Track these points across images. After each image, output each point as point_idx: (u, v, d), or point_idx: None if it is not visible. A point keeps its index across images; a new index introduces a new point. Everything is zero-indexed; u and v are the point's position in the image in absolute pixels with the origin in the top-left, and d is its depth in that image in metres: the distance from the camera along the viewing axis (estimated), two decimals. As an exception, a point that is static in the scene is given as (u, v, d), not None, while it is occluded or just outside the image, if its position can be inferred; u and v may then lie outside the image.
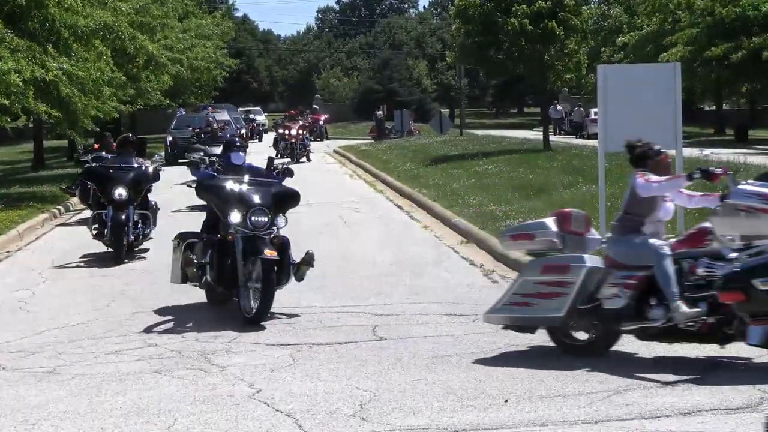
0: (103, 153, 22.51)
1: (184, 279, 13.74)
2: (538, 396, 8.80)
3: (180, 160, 36.93)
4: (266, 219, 12.76)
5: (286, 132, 45.14)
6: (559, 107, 67.75)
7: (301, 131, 44.91)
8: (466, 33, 39.37)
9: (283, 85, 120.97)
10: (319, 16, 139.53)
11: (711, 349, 10.23)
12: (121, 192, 18.10)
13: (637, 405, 8.38)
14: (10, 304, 14.50)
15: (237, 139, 18.37)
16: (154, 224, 19.11)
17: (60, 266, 17.71)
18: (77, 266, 17.73)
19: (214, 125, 31.19)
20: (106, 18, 28.52)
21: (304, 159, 43.98)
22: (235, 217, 12.69)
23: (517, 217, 19.89)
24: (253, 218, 12.67)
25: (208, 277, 13.13)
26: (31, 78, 23.52)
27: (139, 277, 16.32)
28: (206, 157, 18.47)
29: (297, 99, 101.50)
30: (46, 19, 25.70)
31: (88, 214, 20.97)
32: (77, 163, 24.97)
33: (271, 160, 14.46)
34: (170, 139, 45.89)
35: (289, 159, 41.92)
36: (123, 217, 17.95)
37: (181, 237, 13.92)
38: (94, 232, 18.42)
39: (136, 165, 18.82)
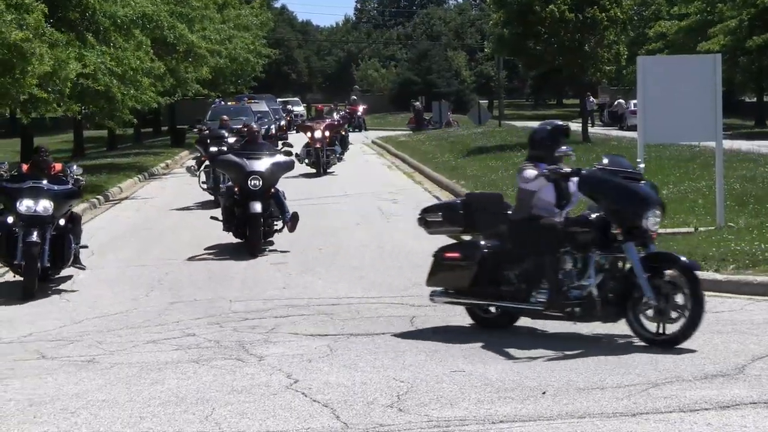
0: (30, 183, 15.09)
1: None
2: (576, 388, 8.77)
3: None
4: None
5: (309, 135, 33.44)
6: (591, 99, 67.26)
7: (327, 132, 33.15)
8: (503, 23, 39.20)
9: (322, 76, 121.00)
10: (358, 6, 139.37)
11: (752, 342, 10.17)
12: None
13: (676, 398, 8.33)
14: (50, 293, 14.60)
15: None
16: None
17: (99, 256, 17.80)
18: (116, 256, 17.82)
19: (254, 125, 23.79)
20: (145, 8, 28.63)
21: (333, 169, 33.72)
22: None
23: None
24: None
25: None
26: (71, 72, 23.65)
27: (178, 267, 16.38)
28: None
29: (335, 90, 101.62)
30: (87, 8, 25.83)
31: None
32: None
33: None
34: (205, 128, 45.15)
35: (314, 170, 32.71)
36: None
37: None
38: None
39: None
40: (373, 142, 51.88)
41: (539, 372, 9.29)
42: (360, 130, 62.87)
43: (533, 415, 8.04)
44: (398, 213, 22.41)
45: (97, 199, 26.06)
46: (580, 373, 9.22)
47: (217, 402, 8.69)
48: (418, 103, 65.86)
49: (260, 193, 17.94)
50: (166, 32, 30.92)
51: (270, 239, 18.69)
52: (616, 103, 67.06)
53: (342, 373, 9.55)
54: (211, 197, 24.76)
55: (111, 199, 27.07)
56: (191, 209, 24.49)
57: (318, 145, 32.81)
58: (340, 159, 34.30)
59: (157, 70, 32.32)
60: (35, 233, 14.46)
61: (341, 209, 23.38)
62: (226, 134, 25.92)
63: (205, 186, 25.55)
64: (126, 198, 27.63)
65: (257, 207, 17.79)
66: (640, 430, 7.58)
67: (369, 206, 23.57)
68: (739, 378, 8.91)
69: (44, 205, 14.75)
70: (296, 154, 30.05)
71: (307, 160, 32.89)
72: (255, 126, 23.60)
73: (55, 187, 15.14)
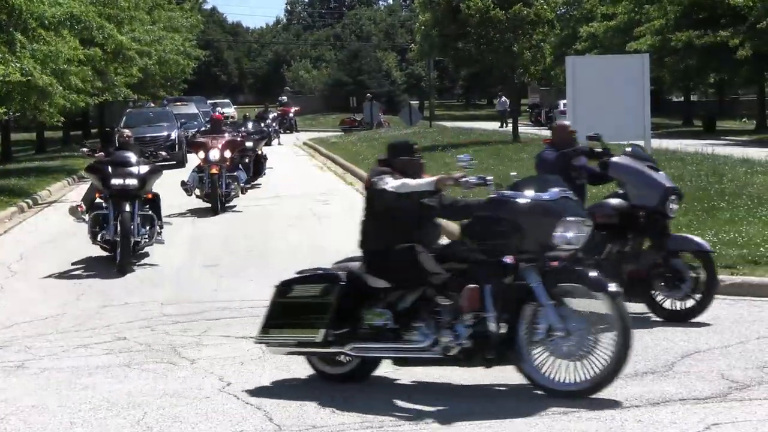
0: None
1: None
2: (511, 386, 8.83)
3: None
4: None
5: (201, 155, 23.88)
6: (503, 99, 67.20)
7: (228, 153, 23.77)
8: (432, 23, 39.28)
9: (252, 78, 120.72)
10: (288, 8, 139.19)
11: (680, 339, 10.29)
12: None
13: (607, 395, 8.40)
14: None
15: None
16: None
17: (28, 260, 17.61)
18: (46, 260, 17.62)
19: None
20: (73, 8, 28.33)
21: (236, 203, 24.26)
22: None
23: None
24: None
25: None
26: None
27: (108, 271, 16.23)
28: None
29: (266, 91, 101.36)
30: (13, 9, 25.51)
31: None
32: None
33: None
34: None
35: (208, 204, 23.26)
36: None
37: None
38: None
39: None
40: (304, 143, 51.79)
41: (473, 370, 9.29)
42: (291, 132, 62.79)
43: (466, 415, 8.07)
44: (331, 214, 22.39)
45: (26, 202, 25.76)
46: (513, 371, 9.25)
47: (148, 406, 8.63)
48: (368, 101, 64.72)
49: None
50: (94, 32, 30.59)
51: None
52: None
53: (274, 375, 9.54)
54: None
55: (40, 202, 26.77)
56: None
57: (214, 171, 23.16)
58: (244, 189, 24.68)
59: (84, 73, 32.13)
60: None
61: (273, 211, 23.30)
62: (133, 159, 17.23)
63: (97, 236, 16.98)
64: (55, 201, 27.33)
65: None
66: (572, 428, 7.63)
67: (301, 208, 23.50)
68: (669, 375, 9.01)
69: None
70: (183, 181, 23.76)
71: (198, 191, 23.72)
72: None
73: None
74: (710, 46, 46.10)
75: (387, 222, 9.00)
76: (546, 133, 49.68)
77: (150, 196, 17.43)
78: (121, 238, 16.08)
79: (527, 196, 8.63)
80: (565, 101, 21.92)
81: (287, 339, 9.30)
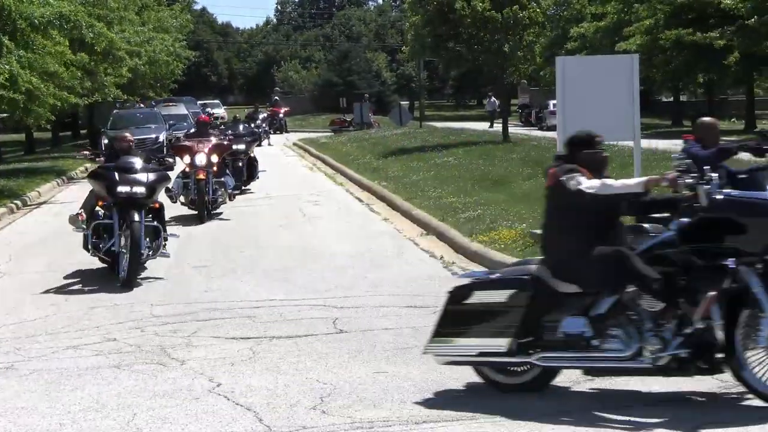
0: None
1: None
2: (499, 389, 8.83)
3: None
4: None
5: (186, 159, 22.59)
6: (492, 99, 67.20)
7: (215, 157, 22.54)
8: (423, 23, 39.26)
9: (242, 78, 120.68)
10: (278, 8, 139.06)
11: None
12: None
13: (599, 394, 8.41)
14: (-34, 299, 14.37)
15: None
16: None
17: (18, 261, 17.57)
18: (35, 261, 17.58)
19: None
20: (62, 8, 28.27)
21: (222, 210, 23.00)
22: None
23: (476, 209, 19.92)
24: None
25: None
26: None
27: (98, 272, 16.19)
28: None
29: (256, 92, 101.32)
30: (2, 9, 25.45)
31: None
32: None
33: None
34: (106, 141, 34.47)
35: (195, 211, 21.95)
36: None
37: None
38: None
39: None
40: (294, 144, 51.79)
41: (461, 372, 9.31)
42: (281, 132, 62.79)
43: (456, 415, 8.07)
44: (320, 215, 22.38)
45: (15, 204, 25.71)
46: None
47: (138, 407, 8.62)
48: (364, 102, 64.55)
49: None
50: (84, 31, 30.50)
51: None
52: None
53: (265, 376, 9.52)
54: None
55: (29, 203, 26.73)
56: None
57: (201, 176, 21.79)
58: (232, 196, 23.36)
59: (73, 74, 32.07)
60: None
61: (263, 211, 23.29)
62: (138, 165, 15.77)
63: (98, 247, 15.74)
64: (44, 202, 27.29)
65: None
66: (560, 429, 7.64)
67: (291, 208, 23.50)
68: (658, 375, 8.99)
69: None
70: (167, 187, 20.22)
71: (183, 198, 22.40)
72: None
73: None
74: (699, 46, 46.16)
75: (579, 224, 8.43)
76: (537, 133, 49.74)
77: (156, 205, 16.18)
78: (130, 250, 14.80)
79: (757, 195, 8.17)
80: (554, 101, 21.87)
81: (466, 349, 8.72)
